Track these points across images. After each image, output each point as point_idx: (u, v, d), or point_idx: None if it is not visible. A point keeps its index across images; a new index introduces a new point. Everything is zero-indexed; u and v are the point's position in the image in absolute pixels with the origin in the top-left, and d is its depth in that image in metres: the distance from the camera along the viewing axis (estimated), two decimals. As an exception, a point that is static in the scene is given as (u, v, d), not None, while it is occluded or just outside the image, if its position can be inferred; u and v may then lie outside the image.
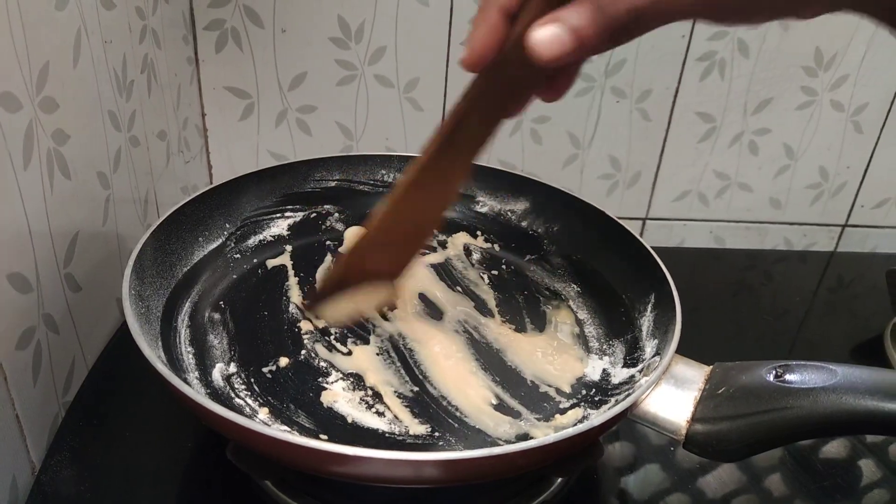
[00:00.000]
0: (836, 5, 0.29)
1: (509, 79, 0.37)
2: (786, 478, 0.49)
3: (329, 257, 0.59)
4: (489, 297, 0.57)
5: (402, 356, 0.49)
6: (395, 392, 0.46)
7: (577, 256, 0.59)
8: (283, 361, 0.48)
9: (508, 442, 0.43)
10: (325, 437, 0.43)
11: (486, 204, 0.64)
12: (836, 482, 0.50)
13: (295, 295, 0.55)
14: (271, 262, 0.58)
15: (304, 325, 0.51)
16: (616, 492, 0.48)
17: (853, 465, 0.51)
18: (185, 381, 0.44)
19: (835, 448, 0.52)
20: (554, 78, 0.37)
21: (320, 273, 0.57)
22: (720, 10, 0.30)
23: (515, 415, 0.46)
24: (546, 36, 0.30)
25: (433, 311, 0.54)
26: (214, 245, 0.56)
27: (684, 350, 0.43)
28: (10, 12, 0.38)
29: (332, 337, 0.51)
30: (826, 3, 0.29)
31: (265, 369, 0.47)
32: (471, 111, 0.39)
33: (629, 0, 0.29)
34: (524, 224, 0.63)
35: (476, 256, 0.61)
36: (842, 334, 0.70)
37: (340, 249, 0.60)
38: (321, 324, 0.51)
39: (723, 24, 0.31)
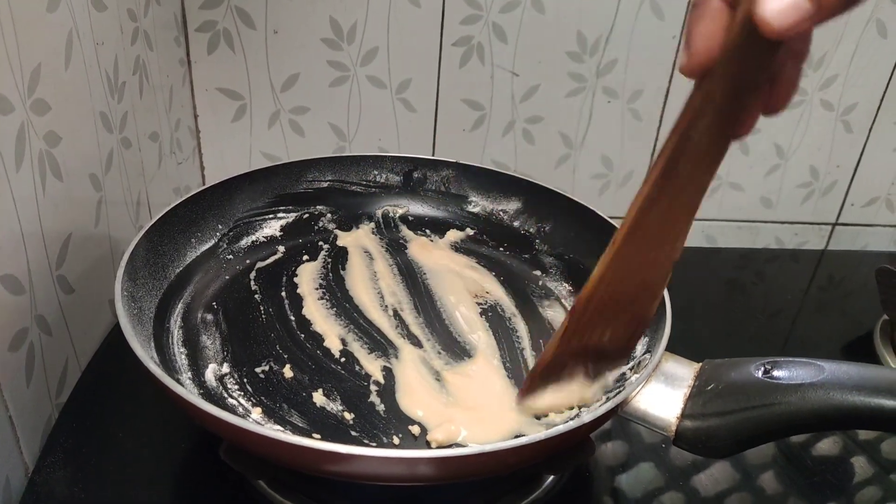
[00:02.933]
0: None
1: (737, 80, 0.31)
2: (778, 475, 0.50)
3: (321, 258, 0.59)
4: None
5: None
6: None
7: (570, 256, 0.59)
8: (287, 372, 0.48)
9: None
10: (318, 436, 0.43)
11: (478, 204, 0.64)
12: (829, 479, 0.50)
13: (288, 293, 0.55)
14: (263, 263, 0.58)
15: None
16: (609, 490, 0.48)
17: (845, 463, 0.52)
18: (178, 381, 0.44)
19: (827, 445, 0.53)
20: (774, 84, 0.32)
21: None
22: None
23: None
24: (781, 4, 0.26)
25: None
26: (207, 246, 0.56)
27: (677, 349, 0.44)
28: (1, 14, 0.38)
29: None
30: None
31: (258, 369, 0.48)
32: (693, 130, 0.32)
33: None
34: (516, 224, 0.63)
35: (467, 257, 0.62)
36: (833, 332, 0.70)
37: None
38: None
39: None
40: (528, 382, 0.42)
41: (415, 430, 0.44)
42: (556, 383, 0.42)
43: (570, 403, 0.42)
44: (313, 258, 0.59)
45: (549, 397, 0.42)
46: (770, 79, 0.32)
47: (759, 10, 0.27)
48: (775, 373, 0.38)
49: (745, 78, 0.31)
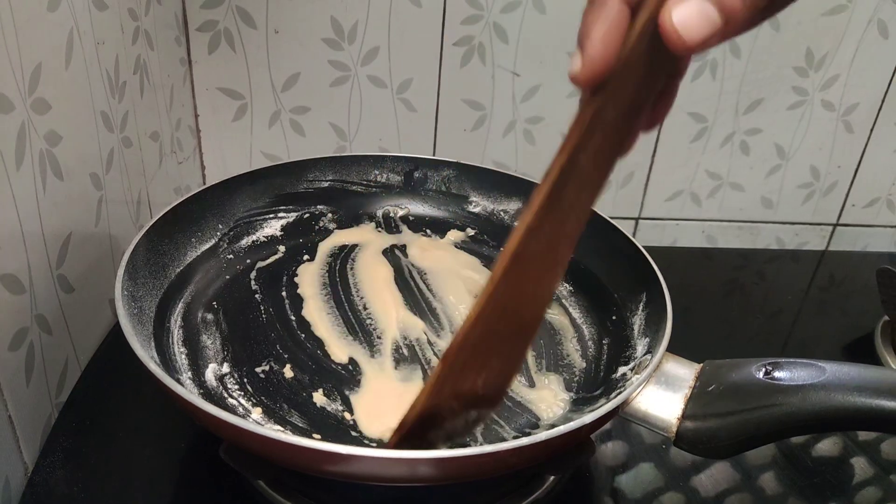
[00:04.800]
0: None
1: (631, 93, 0.28)
2: (778, 476, 0.50)
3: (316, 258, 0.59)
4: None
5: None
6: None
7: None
8: (288, 372, 0.48)
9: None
10: (319, 436, 0.43)
11: (478, 204, 0.64)
12: (829, 480, 0.50)
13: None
14: (264, 263, 0.58)
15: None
16: (609, 490, 0.48)
17: (845, 463, 0.51)
18: (179, 381, 0.44)
19: (827, 446, 0.53)
20: (657, 99, 0.30)
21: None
22: None
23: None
24: (690, 14, 0.24)
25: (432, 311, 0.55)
26: (207, 246, 0.56)
27: (677, 349, 0.44)
28: (1, 13, 0.38)
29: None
30: None
31: (258, 369, 0.48)
32: (582, 152, 0.29)
33: None
34: (517, 224, 0.63)
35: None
36: (833, 333, 0.70)
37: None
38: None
39: None
40: (399, 432, 0.36)
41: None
42: (430, 431, 0.36)
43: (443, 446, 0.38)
44: (314, 258, 0.59)
45: (424, 443, 0.37)
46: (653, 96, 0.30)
47: (666, 20, 0.25)
48: (776, 374, 0.38)
49: (639, 92, 0.28)
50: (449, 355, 0.33)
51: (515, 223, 0.36)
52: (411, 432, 0.35)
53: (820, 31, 0.72)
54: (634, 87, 0.27)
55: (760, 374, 0.39)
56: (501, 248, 0.32)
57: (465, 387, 0.35)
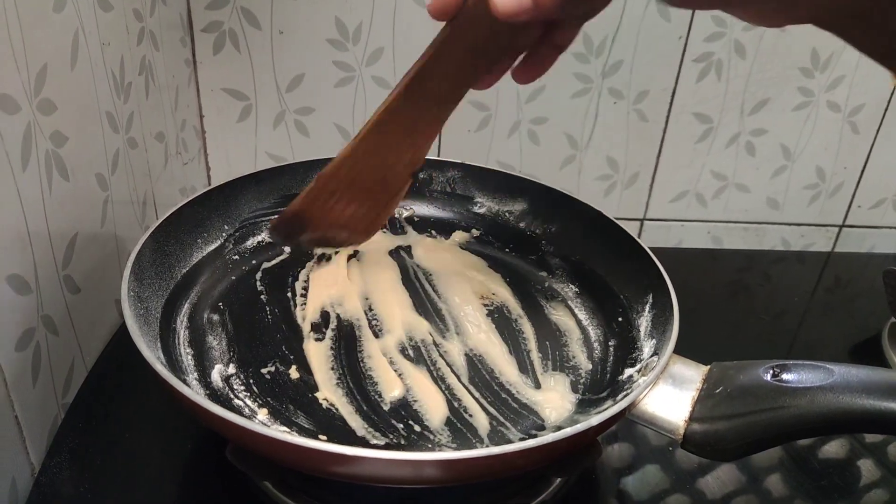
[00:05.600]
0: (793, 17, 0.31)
1: (475, 35, 0.36)
2: (785, 478, 0.49)
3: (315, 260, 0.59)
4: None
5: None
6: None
7: (576, 257, 0.59)
8: (294, 373, 0.48)
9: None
10: (325, 437, 0.43)
11: (483, 205, 0.64)
12: (835, 482, 0.50)
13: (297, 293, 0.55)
14: (270, 264, 0.58)
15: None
16: (615, 492, 0.48)
17: (852, 466, 0.51)
18: (185, 382, 0.44)
19: (834, 448, 0.52)
20: (528, 58, 0.38)
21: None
22: None
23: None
24: None
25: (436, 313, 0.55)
26: (213, 246, 0.56)
27: (682, 350, 0.43)
28: (7, 14, 0.38)
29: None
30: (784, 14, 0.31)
31: (264, 370, 0.48)
32: (437, 61, 0.38)
33: None
34: (522, 225, 0.63)
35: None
36: (839, 335, 0.70)
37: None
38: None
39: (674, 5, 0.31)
40: (277, 222, 0.47)
41: (417, 427, 0.44)
42: (302, 232, 0.48)
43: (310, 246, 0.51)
44: (319, 259, 0.59)
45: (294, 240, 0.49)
46: (516, 53, 0.37)
47: None
48: (784, 376, 0.38)
49: (479, 41, 0.36)
50: (321, 176, 0.44)
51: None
52: (285, 223, 0.47)
53: (825, 32, 0.72)
54: (479, 29, 0.35)
55: (768, 377, 0.38)
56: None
57: (334, 210, 0.46)
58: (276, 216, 0.49)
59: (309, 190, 0.45)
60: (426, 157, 0.46)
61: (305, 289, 0.56)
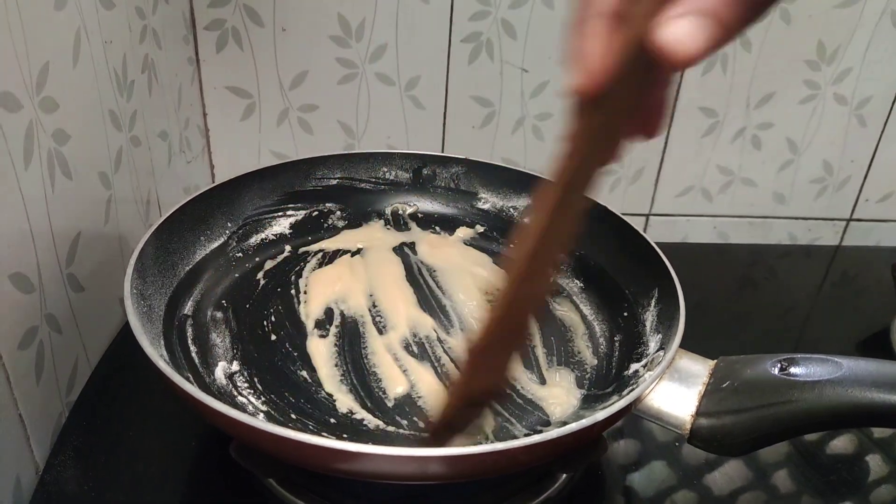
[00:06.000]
0: None
1: (624, 105, 0.29)
2: (792, 473, 0.49)
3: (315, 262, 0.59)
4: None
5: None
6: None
7: (580, 252, 0.59)
8: (298, 369, 0.48)
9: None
10: (329, 434, 0.43)
11: (487, 201, 0.64)
12: (844, 477, 0.49)
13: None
14: (273, 261, 0.58)
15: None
16: (621, 489, 0.47)
17: (860, 461, 0.51)
18: (188, 379, 0.44)
19: (842, 443, 0.52)
20: (651, 108, 0.31)
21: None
22: None
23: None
24: (683, 30, 0.24)
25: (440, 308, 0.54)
26: (216, 244, 0.56)
27: (689, 346, 0.43)
28: (9, 12, 0.38)
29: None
30: None
31: (268, 367, 0.47)
32: (586, 158, 0.30)
33: None
34: (527, 220, 0.62)
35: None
36: (847, 329, 0.69)
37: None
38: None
39: None
40: (433, 434, 0.40)
41: (421, 423, 0.44)
42: (457, 430, 0.40)
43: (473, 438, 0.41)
44: (323, 256, 0.59)
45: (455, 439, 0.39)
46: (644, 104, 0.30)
47: (660, 37, 0.24)
48: (792, 370, 0.37)
49: (631, 103, 0.29)
50: (472, 358, 0.36)
51: (525, 220, 0.38)
52: (439, 434, 0.39)
53: (832, 23, 0.71)
54: (626, 98, 0.29)
55: (776, 370, 0.38)
56: (512, 250, 0.34)
57: (476, 385, 0.38)
58: (432, 430, 0.40)
59: (463, 380, 0.38)
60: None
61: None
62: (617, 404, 0.38)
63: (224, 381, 0.46)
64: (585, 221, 0.58)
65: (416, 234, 0.63)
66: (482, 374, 0.37)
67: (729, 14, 0.24)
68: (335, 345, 0.50)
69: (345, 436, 0.43)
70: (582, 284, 0.58)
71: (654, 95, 0.31)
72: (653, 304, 0.50)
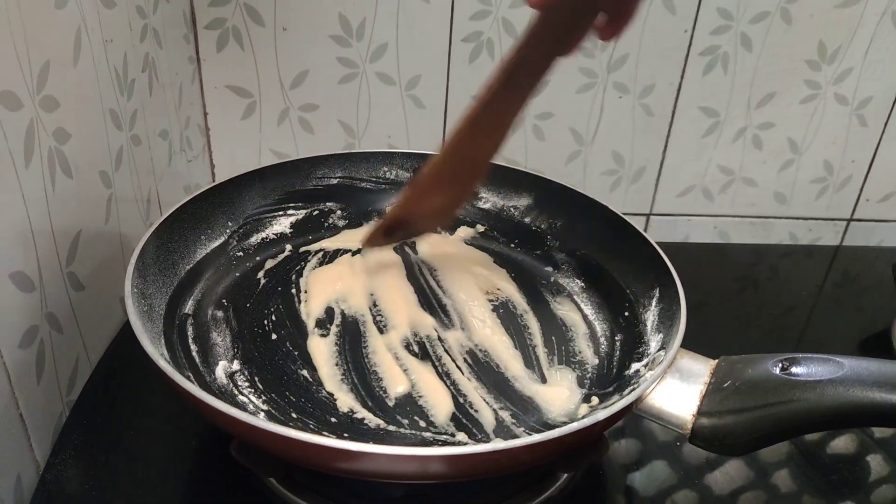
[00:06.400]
0: None
1: (577, 11, 0.38)
2: (794, 473, 0.49)
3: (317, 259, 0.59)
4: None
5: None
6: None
7: (581, 252, 0.59)
8: (298, 368, 0.48)
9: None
10: (330, 433, 0.43)
11: (488, 200, 0.64)
12: (845, 477, 0.49)
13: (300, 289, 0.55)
14: (274, 260, 0.58)
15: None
16: (622, 488, 0.47)
17: (862, 461, 0.51)
18: (189, 378, 0.44)
19: (843, 443, 0.52)
20: (615, 8, 0.38)
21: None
22: None
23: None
24: None
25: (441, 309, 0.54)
26: (217, 243, 0.56)
27: (690, 346, 0.43)
28: (9, 11, 0.38)
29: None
30: None
31: (268, 366, 0.47)
32: (532, 49, 0.39)
33: None
34: (527, 220, 0.62)
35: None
36: (848, 329, 0.69)
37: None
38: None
39: None
40: (372, 235, 0.53)
41: (422, 422, 0.44)
42: (394, 233, 0.53)
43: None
44: (323, 255, 0.59)
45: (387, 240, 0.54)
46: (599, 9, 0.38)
47: None
48: (793, 369, 0.37)
49: (584, 8, 0.37)
50: (420, 180, 0.49)
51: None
52: (380, 233, 0.53)
53: (833, 23, 0.71)
54: (581, 5, 0.38)
55: (777, 370, 0.38)
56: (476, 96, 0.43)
57: (424, 206, 0.51)
58: (369, 230, 0.54)
59: (407, 196, 0.50)
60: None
61: (310, 285, 0.56)
62: (618, 404, 0.38)
63: (224, 380, 0.46)
64: (586, 220, 0.59)
65: (416, 233, 0.63)
66: (432, 197, 0.49)
67: None
68: (336, 344, 0.50)
69: (345, 435, 0.43)
70: (583, 284, 0.58)
71: (621, 6, 0.38)
72: (654, 303, 0.50)
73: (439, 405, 0.45)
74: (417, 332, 0.52)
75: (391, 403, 0.45)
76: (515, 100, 0.43)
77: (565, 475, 0.45)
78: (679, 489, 0.47)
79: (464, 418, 0.45)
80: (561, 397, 0.47)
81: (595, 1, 0.38)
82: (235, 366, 0.47)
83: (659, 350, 0.46)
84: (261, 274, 0.56)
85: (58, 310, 0.46)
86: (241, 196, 0.58)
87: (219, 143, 0.74)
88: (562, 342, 0.52)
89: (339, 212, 0.63)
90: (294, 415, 0.44)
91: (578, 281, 0.58)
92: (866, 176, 0.81)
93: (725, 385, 0.39)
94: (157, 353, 0.38)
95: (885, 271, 0.68)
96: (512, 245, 0.62)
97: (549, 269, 0.60)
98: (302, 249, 0.59)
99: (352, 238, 0.61)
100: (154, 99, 0.59)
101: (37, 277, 0.43)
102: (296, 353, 0.49)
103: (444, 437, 0.43)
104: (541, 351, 0.51)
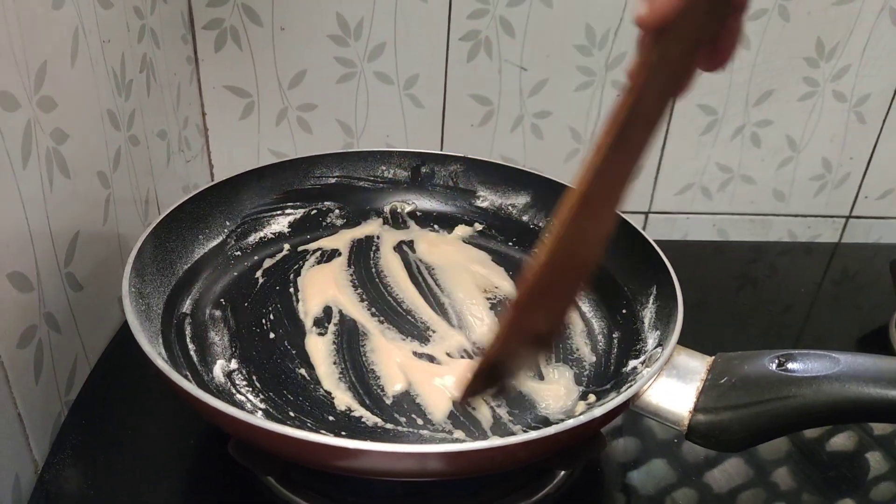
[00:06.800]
0: None
1: (693, 34, 0.29)
2: (793, 470, 0.49)
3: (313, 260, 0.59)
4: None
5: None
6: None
7: (579, 250, 0.59)
8: (296, 367, 0.48)
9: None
10: (327, 431, 0.43)
11: (486, 199, 0.64)
12: (844, 474, 0.49)
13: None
14: (272, 259, 0.58)
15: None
16: (620, 486, 0.47)
17: (860, 458, 0.51)
18: (186, 377, 0.44)
19: (842, 440, 0.52)
20: (718, 39, 0.31)
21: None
22: None
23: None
24: None
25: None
26: (215, 243, 0.56)
27: (688, 343, 0.43)
28: (6, 11, 0.38)
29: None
30: None
31: (266, 365, 0.47)
32: (647, 92, 0.30)
33: None
34: (525, 218, 0.63)
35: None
36: (847, 326, 0.69)
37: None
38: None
39: None
40: (471, 385, 0.37)
41: (420, 420, 0.44)
42: (498, 378, 0.38)
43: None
44: (321, 254, 0.59)
45: (491, 388, 0.39)
46: (714, 34, 0.31)
47: None
48: (790, 365, 0.38)
49: (701, 31, 0.29)
50: (519, 302, 0.34)
51: (562, 201, 0.36)
52: (480, 381, 0.37)
53: (831, 20, 0.71)
54: (695, 27, 0.29)
55: (773, 366, 0.38)
56: (570, 188, 0.32)
57: (528, 327, 0.36)
58: (465, 380, 0.37)
59: (507, 320, 0.35)
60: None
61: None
62: (615, 400, 0.38)
63: (222, 379, 0.46)
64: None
65: (414, 232, 0.63)
66: (533, 317, 0.35)
67: None
68: (333, 343, 0.50)
69: (343, 433, 0.43)
70: (581, 282, 0.58)
71: (728, 23, 0.31)
72: (651, 300, 0.50)
73: (437, 403, 0.45)
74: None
75: (389, 402, 0.45)
76: (628, 161, 0.32)
77: (563, 473, 0.45)
78: (678, 487, 0.47)
79: (461, 416, 0.45)
80: (558, 394, 0.47)
81: (717, 17, 0.29)
82: (233, 365, 0.47)
83: (656, 347, 0.46)
84: (259, 273, 0.56)
85: (56, 310, 0.46)
86: (239, 195, 0.58)
87: (217, 143, 0.74)
88: (559, 340, 0.52)
89: (337, 211, 0.63)
90: (292, 413, 0.44)
91: (576, 279, 0.58)
92: (865, 173, 0.81)
93: (722, 381, 0.39)
94: (155, 353, 0.38)
95: (883, 268, 0.68)
96: (510, 243, 0.62)
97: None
98: (300, 248, 0.59)
99: (350, 237, 0.61)
100: (152, 99, 0.59)
101: (35, 278, 0.43)
102: (293, 351, 0.49)
103: (442, 434, 0.43)
104: (539, 349, 0.51)
